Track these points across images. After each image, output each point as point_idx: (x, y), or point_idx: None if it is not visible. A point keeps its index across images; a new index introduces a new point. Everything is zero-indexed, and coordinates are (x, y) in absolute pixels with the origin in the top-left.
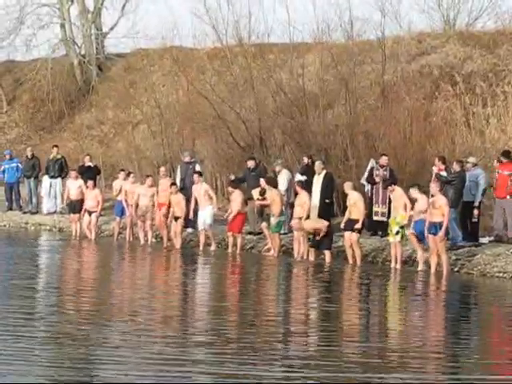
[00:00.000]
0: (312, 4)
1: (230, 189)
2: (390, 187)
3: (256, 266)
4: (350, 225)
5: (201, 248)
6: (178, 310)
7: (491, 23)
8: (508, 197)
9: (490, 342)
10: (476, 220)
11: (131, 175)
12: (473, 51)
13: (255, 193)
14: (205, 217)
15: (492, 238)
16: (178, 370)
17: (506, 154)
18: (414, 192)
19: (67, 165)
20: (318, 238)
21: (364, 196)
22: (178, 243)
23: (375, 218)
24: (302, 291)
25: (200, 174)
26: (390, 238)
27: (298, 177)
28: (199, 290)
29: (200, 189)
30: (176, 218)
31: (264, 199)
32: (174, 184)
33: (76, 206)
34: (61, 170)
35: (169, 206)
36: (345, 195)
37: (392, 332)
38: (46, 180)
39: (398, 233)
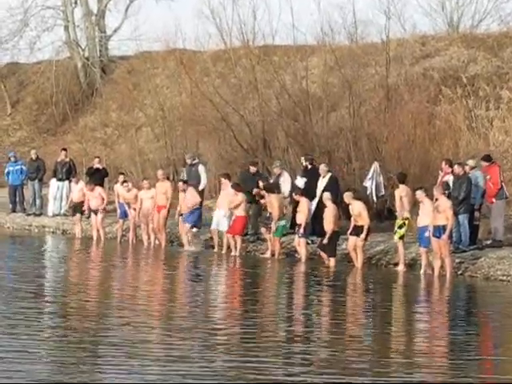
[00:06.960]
0: (316, 6)
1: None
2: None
3: (258, 270)
4: (356, 230)
5: (215, 249)
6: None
7: (495, 26)
8: (493, 200)
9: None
10: (478, 223)
11: (124, 184)
12: (477, 54)
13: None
14: (221, 217)
15: (490, 242)
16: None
17: (485, 158)
18: (420, 195)
19: (75, 168)
20: (324, 241)
21: (367, 200)
22: (185, 242)
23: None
24: (311, 295)
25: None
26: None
27: (299, 179)
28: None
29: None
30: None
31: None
32: (184, 182)
33: (78, 208)
34: (69, 172)
35: (169, 211)
36: None
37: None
38: (53, 183)
39: (395, 232)
